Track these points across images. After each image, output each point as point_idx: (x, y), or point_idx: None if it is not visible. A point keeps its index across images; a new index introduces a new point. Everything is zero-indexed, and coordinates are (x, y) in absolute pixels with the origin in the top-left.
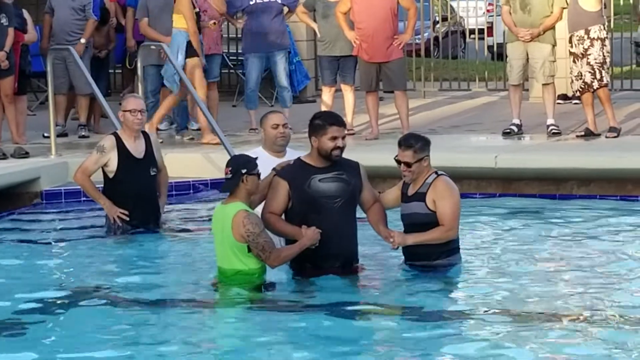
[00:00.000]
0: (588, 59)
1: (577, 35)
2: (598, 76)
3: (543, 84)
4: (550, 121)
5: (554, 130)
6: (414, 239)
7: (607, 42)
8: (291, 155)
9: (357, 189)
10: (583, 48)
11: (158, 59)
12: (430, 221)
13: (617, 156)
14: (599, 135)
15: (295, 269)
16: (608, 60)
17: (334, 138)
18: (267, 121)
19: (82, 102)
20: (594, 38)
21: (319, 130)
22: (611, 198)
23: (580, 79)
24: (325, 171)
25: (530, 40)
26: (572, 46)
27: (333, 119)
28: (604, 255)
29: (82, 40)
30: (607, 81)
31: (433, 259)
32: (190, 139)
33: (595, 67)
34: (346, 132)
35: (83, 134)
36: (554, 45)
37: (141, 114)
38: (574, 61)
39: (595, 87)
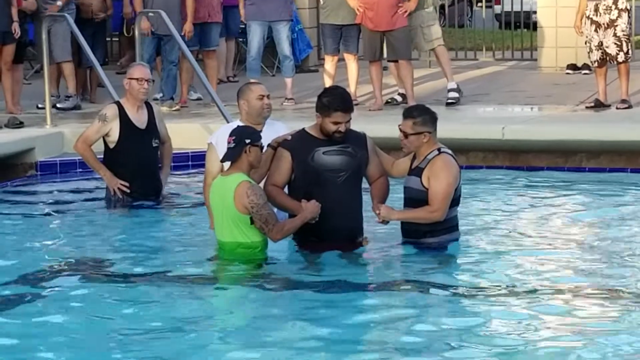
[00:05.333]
0: (615, 30)
1: (604, 5)
2: (625, 49)
3: (431, 50)
4: (450, 85)
5: (450, 99)
6: (398, 215)
7: (631, 13)
8: (270, 127)
9: (364, 162)
10: (610, 18)
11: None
12: (423, 198)
13: (627, 128)
14: (609, 106)
15: (298, 243)
16: (631, 31)
17: (337, 123)
18: (250, 93)
19: (65, 70)
20: (622, 9)
21: (324, 110)
22: (621, 171)
23: (600, 49)
24: (330, 143)
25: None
26: (597, 15)
27: (340, 103)
28: (613, 229)
29: (59, 3)
30: (631, 54)
31: (427, 236)
32: (176, 110)
33: (622, 39)
34: (351, 116)
35: (63, 105)
36: (428, 9)
37: (147, 83)
38: (595, 30)
39: (620, 60)
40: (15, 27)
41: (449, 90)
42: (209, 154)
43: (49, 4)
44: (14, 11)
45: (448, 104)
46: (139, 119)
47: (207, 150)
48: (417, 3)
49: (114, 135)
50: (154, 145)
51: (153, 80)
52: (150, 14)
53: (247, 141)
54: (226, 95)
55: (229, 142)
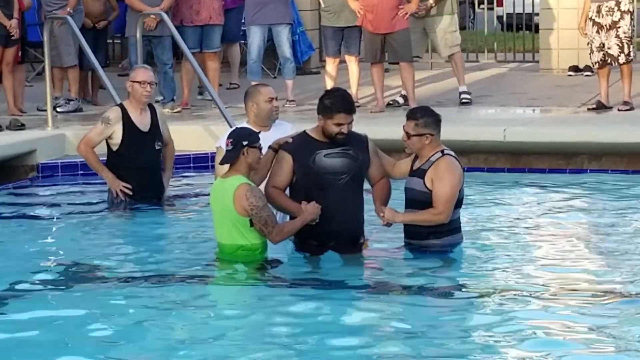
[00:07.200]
0: (617, 31)
1: (607, 6)
2: (626, 50)
3: (449, 55)
4: (462, 88)
5: (464, 100)
6: (403, 217)
7: (634, 15)
8: (278, 128)
9: (365, 164)
10: (612, 20)
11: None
12: (425, 200)
13: (629, 130)
14: (610, 108)
15: (297, 246)
16: (633, 33)
17: (339, 124)
18: (259, 96)
19: (69, 74)
20: (624, 11)
21: (326, 112)
22: (623, 173)
23: (602, 50)
24: (331, 146)
25: (426, 15)
26: (599, 16)
27: (342, 105)
28: (615, 231)
29: (68, 9)
30: (634, 56)
31: (430, 238)
32: (177, 112)
33: (624, 40)
34: (353, 117)
35: (63, 109)
36: (452, 15)
37: (150, 86)
38: (597, 32)
39: (621, 62)
40: (13, 27)
41: (463, 93)
42: (218, 157)
43: (53, 7)
44: (16, 13)
45: (463, 103)
46: (142, 121)
47: (216, 154)
48: (440, 7)
49: (117, 138)
50: (157, 147)
51: (156, 83)
52: (152, 16)
53: (245, 143)
54: (229, 97)
55: (227, 145)
